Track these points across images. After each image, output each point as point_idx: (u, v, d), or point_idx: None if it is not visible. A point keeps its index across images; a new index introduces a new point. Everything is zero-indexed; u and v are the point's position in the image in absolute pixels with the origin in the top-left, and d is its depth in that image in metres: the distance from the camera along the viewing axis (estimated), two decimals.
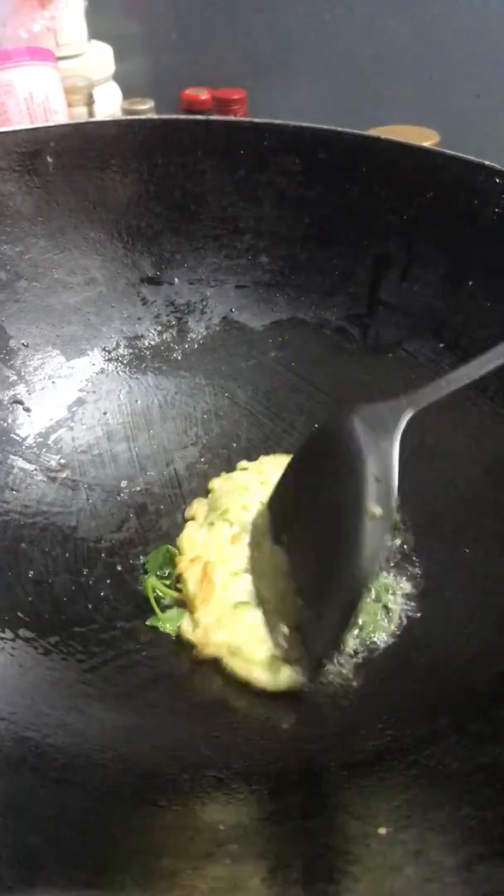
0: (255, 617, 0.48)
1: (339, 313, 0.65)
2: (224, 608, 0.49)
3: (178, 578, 0.52)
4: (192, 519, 0.57)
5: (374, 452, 0.43)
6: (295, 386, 0.65)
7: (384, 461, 0.42)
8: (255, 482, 0.56)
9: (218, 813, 0.37)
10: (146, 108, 1.01)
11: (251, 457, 0.61)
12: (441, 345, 0.60)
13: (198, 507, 0.58)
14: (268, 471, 0.57)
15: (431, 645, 0.47)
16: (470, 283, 0.58)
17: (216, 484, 0.59)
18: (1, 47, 0.78)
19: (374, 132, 0.74)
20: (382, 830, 0.32)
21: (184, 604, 0.51)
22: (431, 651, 0.47)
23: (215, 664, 0.48)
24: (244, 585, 0.50)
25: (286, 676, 0.46)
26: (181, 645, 0.49)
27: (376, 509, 0.41)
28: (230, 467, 0.61)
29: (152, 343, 0.67)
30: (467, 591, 0.49)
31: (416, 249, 0.61)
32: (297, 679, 0.46)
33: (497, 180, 0.56)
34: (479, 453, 0.55)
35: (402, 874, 0.30)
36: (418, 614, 0.50)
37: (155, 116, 0.92)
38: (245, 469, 0.59)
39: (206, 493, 0.59)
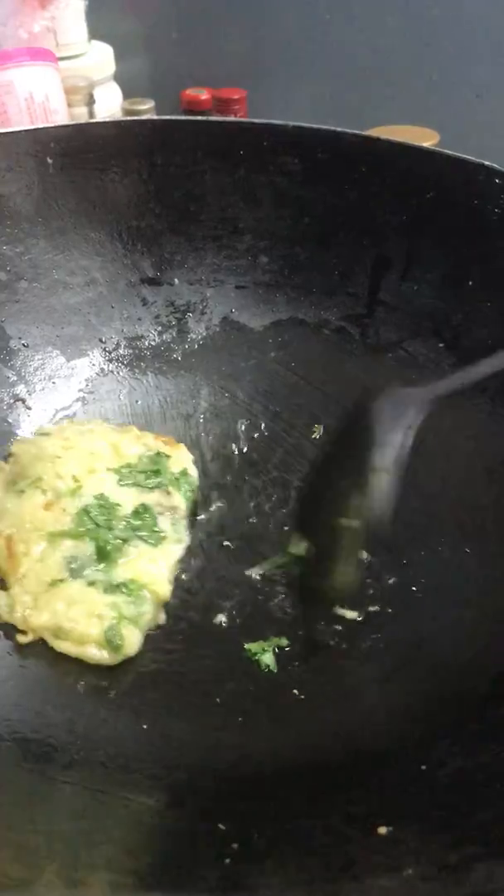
0: (77, 590, 0.48)
1: (339, 313, 0.65)
2: (40, 585, 0.48)
3: None
4: None
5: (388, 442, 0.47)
6: (295, 386, 0.65)
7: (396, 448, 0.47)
8: (63, 450, 0.55)
9: (218, 812, 0.37)
10: (146, 109, 1.01)
11: (252, 457, 0.61)
12: (441, 345, 0.60)
13: None
14: (72, 437, 0.57)
15: (431, 645, 0.47)
16: (470, 283, 0.58)
17: (18, 448, 0.57)
18: (1, 47, 0.78)
19: (374, 132, 0.74)
20: (382, 830, 0.32)
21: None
22: (431, 651, 0.47)
23: (213, 662, 0.48)
24: (63, 552, 0.50)
25: (126, 647, 0.46)
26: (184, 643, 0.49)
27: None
28: (231, 467, 0.61)
29: (152, 343, 0.67)
30: (467, 591, 0.50)
31: (416, 249, 0.61)
32: (136, 645, 0.46)
33: (497, 180, 0.56)
34: (479, 453, 0.55)
35: (402, 874, 0.30)
36: (419, 614, 0.50)
37: (155, 117, 0.92)
38: (48, 434, 0.58)
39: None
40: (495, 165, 0.57)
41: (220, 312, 0.67)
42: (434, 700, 0.43)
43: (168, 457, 0.58)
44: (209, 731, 0.44)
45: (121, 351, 0.66)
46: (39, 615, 0.47)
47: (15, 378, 0.62)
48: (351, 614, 0.50)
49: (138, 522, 0.52)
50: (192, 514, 0.56)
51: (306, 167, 0.63)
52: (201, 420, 0.65)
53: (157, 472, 0.56)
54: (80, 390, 0.64)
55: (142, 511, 0.53)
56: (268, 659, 0.48)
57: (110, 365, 0.66)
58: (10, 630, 0.47)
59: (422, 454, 0.57)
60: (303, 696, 0.46)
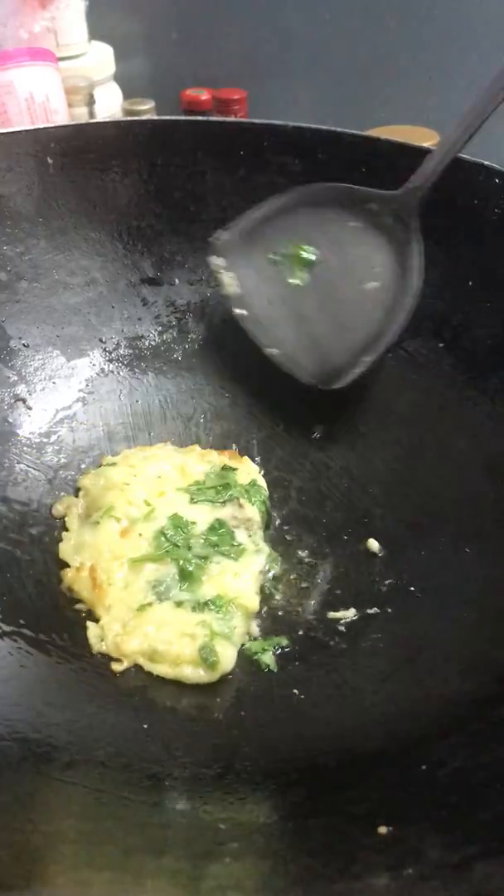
0: (165, 612, 0.48)
1: None
2: (128, 612, 0.49)
3: (70, 591, 0.51)
4: (64, 518, 0.56)
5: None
6: (296, 386, 0.65)
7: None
8: (130, 476, 0.56)
9: (218, 812, 0.37)
10: (146, 109, 1.01)
11: (252, 457, 0.61)
12: (441, 345, 0.60)
13: (69, 506, 0.56)
14: (137, 463, 0.57)
15: (431, 645, 0.47)
16: (470, 282, 0.58)
17: (87, 481, 0.58)
18: (1, 47, 0.78)
19: (374, 132, 0.74)
20: (382, 830, 0.32)
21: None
22: (431, 651, 0.47)
23: None
24: (146, 576, 0.50)
25: (222, 663, 0.46)
26: None
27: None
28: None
29: (153, 343, 0.67)
30: (467, 591, 0.49)
31: None
32: (231, 661, 0.46)
33: (497, 180, 0.56)
34: (479, 453, 0.55)
35: (402, 874, 0.30)
36: (419, 614, 0.50)
37: (155, 117, 0.92)
38: (113, 464, 0.58)
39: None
40: (495, 165, 0.57)
41: (221, 312, 0.67)
42: (434, 700, 0.43)
43: (234, 470, 0.58)
44: (209, 730, 0.44)
45: (121, 351, 0.66)
46: (130, 640, 0.47)
47: (15, 378, 0.62)
48: (350, 614, 0.50)
49: (215, 538, 0.52)
50: (267, 523, 0.56)
51: (306, 167, 0.63)
52: (202, 420, 0.65)
53: (226, 487, 0.56)
54: (81, 390, 0.64)
55: (217, 527, 0.53)
56: (268, 659, 0.48)
57: (110, 365, 0.66)
58: (105, 660, 0.47)
59: (422, 454, 0.57)
60: (303, 696, 0.46)
